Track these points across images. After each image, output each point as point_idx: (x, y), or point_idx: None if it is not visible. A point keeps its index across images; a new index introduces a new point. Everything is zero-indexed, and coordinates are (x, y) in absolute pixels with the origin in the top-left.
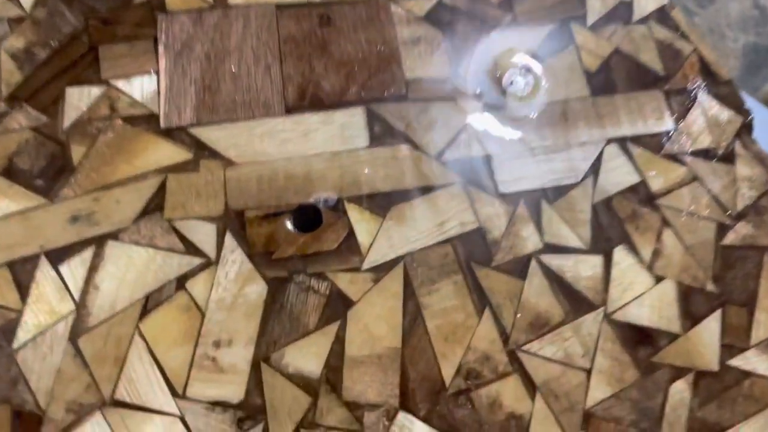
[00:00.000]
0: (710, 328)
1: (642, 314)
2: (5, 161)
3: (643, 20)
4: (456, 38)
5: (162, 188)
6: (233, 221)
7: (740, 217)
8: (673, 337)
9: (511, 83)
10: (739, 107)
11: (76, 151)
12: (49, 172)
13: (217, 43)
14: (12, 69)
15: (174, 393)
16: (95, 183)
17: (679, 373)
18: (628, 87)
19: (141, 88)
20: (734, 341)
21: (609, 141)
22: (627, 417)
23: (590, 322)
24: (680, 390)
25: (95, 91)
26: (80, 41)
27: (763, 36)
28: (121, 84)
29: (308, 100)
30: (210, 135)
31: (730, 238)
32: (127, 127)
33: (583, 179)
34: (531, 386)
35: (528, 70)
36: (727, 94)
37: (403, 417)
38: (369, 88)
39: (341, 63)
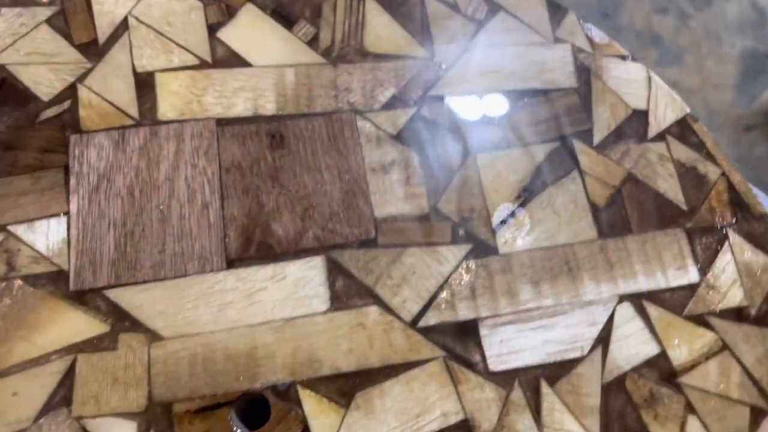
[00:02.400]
0: None
1: None
2: None
3: (661, 136)
4: (435, 162)
5: (70, 373)
6: (159, 418)
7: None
8: None
9: (503, 222)
10: None
11: None
12: None
13: (143, 173)
14: None
15: None
16: None
17: None
18: (644, 225)
19: (46, 236)
20: None
21: (621, 298)
22: None
23: None
24: None
25: None
26: None
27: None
28: (21, 231)
29: (255, 248)
30: (132, 299)
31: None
32: (28, 290)
33: (590, 352)
34: None
35: (520, 206)
36: (762, 233)
37: None
38: (330, 231)
39: (297, 197)
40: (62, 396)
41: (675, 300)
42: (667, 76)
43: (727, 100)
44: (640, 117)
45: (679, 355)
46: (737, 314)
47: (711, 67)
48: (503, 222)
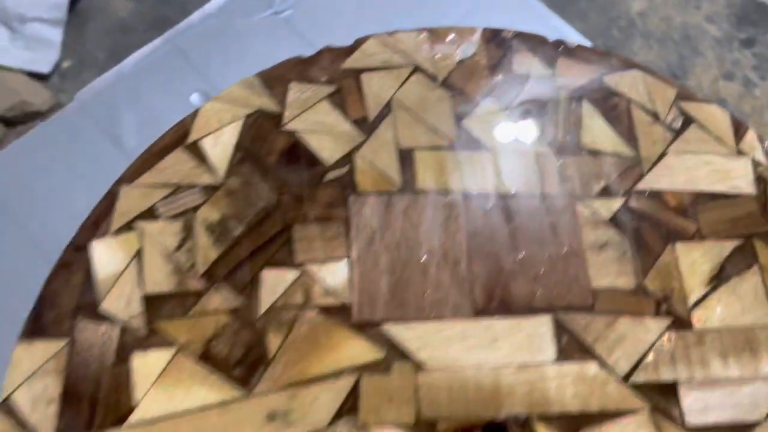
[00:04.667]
0: None
1: None
2: (203, 346)
3: None
4: (641, 246)
5: (356, 389)
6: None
7: None
8: None
9: (698, 302)
10: None
11: (273, 342)
12: (246, 362)
13: (407, 231)
14: (208, 243)
15: None
16: (291, 378)
17: None
18: None
19: (334, 275)
20: None
21: None
22: None
23: None
24: None
25: (290, 275)
26: (274, 219)
27: None
28: (314, 269)
29: (496, 303)
30: (401, 334)
31: None
32: (321, 319)
33: (767, 418)
34: None
35: (712, 289)
36: None
37: None
38: (556, 295)
39: (528, 264)
40: (350, 405)
41: None
42: None
43: None
44: None
45: None
46: None
47: None
48: (696, 304)
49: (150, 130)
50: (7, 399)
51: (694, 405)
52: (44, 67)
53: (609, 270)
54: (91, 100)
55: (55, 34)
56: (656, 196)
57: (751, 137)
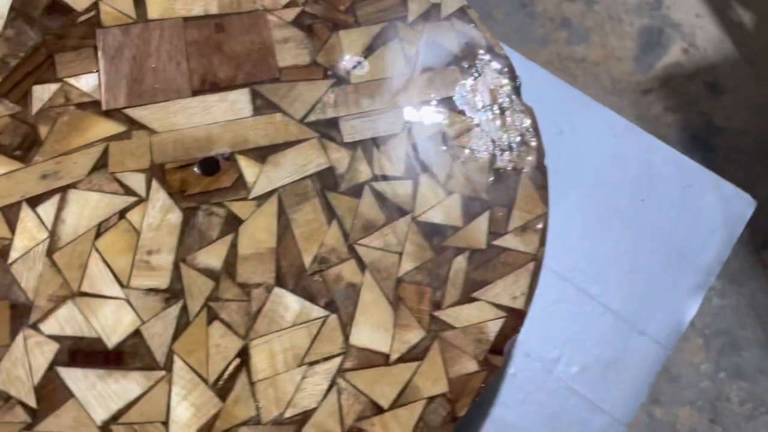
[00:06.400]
0: (481, 222)
1: (437, 216)
2: None
3: (448, 17)
4: (314, 36)
5: (106, 152)
6: (157, 171)
7: (506, 150)
8: (457, 229)
9: (354, 66)
10: (512, 76)
11: (42, 130)
12: (24, 146)
13: (141, 48)
14: None
15: (121, 285)
16: (57, 151)
17: (460, 251)
18: (437, 64)
19: (87, 83)
20: (497, 229)
21: (422, 103)
22: (424, 281)
23: (403, 223)
24: (459, 261)
25: (53, 87)
26: (41, 52)
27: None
28: (72, 81)
29: (208, 85)
30: (138, 114)
31: (498, 164)
32: (78, 111)
33: (400, 131)
34: (362, 266)
35: (364, 58)
36: (504, 66)
37: (277, 290)
38: (252, 75)
39: (231, 58)
40: (102, 162)
41: (452, 103)
42: (577, 52)
43: (627, 70)
44: (436, 7)
45: (452, 130)
46: (486, 108)
47: (613, 43)
48: (354, 67)
49: None
50: None
51: (349, 130)
52: None
53: (291, 54)
54: None
55: None
56: (326, 2)
57: None
